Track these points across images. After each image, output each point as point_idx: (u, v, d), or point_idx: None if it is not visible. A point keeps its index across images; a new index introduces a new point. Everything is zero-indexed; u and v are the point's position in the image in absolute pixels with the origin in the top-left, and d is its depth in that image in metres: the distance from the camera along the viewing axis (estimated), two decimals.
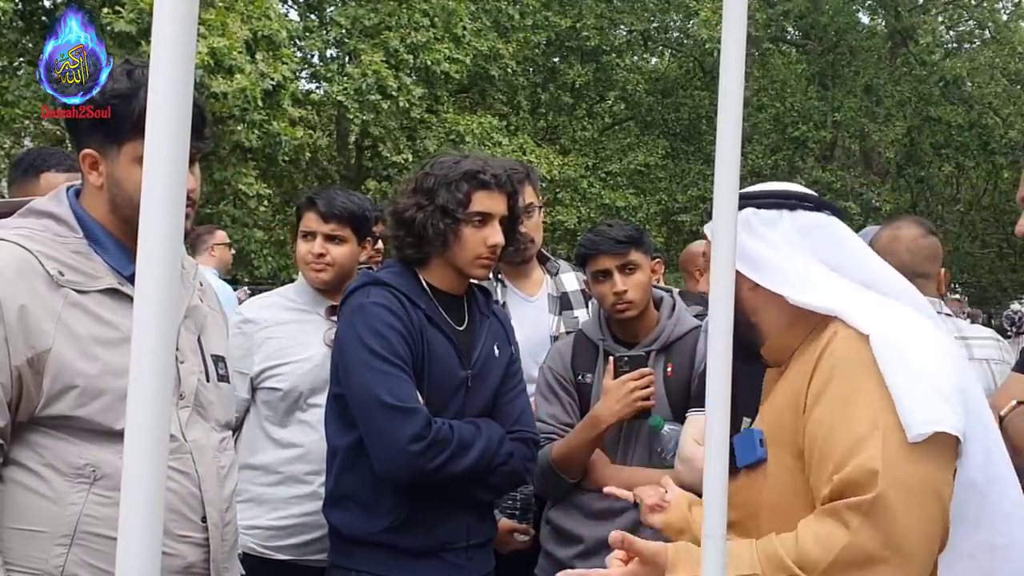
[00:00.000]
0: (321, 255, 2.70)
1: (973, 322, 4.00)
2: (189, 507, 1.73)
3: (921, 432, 1.29)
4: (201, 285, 1.94)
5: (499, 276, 2.87)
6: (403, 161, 13.56)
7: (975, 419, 1.38)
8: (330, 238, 2.71)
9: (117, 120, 1.64)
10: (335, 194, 2.79)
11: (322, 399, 2.59)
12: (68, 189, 1.77)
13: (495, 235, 2.22)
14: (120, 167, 1.69)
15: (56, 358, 1.59)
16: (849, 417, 1.34)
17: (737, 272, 1.55)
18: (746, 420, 1.89)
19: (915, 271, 2.50)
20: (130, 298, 1.68)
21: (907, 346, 1.37)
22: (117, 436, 1.61)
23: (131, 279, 1.70)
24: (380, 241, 3.51)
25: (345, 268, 2.74)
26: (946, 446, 1.33)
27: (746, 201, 1.58)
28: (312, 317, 2.73)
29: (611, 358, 2.55)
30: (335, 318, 2.69)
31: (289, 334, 2.68)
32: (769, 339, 1.59)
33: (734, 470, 1.54)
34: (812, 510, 1.39)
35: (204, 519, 1.75)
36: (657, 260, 2.79)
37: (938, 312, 2.54)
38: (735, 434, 1.58)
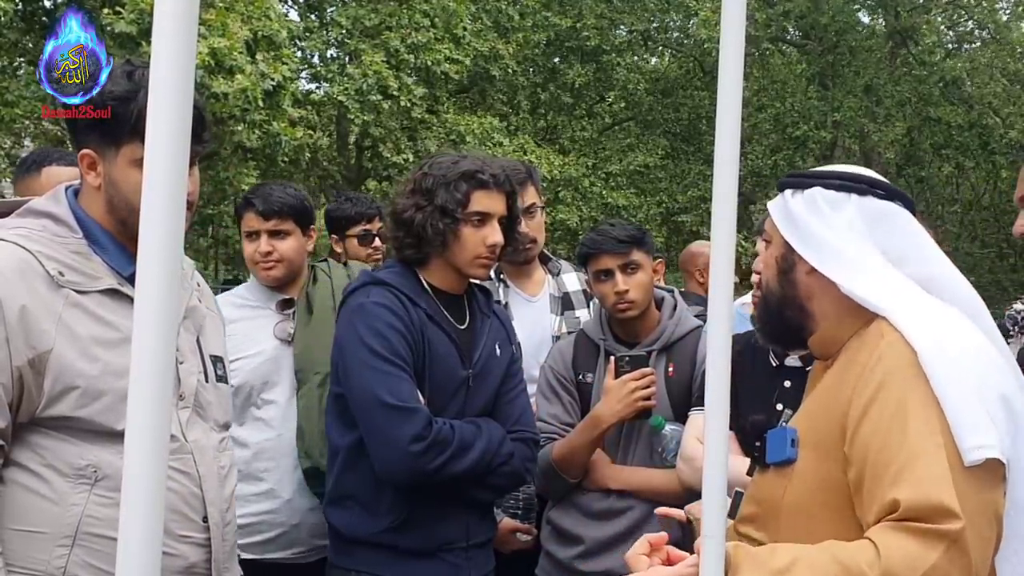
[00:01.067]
0: (268, 253, 2.70)
1: None
2: (191, 507, 1.73)
3: (973, 459, 1.28)
4: (199, 286, 1.94)
5: (501, 276, 2.87)
6: (403, 161, 13.55)
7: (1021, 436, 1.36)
8: (274, 234, 2.71)
9: (116, 121, 1.64)
10: (271, 190, 2.78)
11: (276, 394, 2.62)
12: (67, 189, 1.76)
13: (494, 235, 2.22)
14: (117, 168, 1.68)
15: (57, 359, 1.59)
16: (904, 431, 1.31)
17: (795, 253, 1.52)
18: (787, 412, 1.88)
19: None
20: (130, 299, 1.68)
21: (957, 360, 1.34)
22: (118, 436, 1.60)
23: (130, 279, 1.70)
24: (378, 239, 3.51)
25: (294, 262, 2.74)
26: (995, 470, 1.32)
27: (814, 180, 1.55)
28: (263, 312, 2.73)
29: (612, 358, 2.55)
30: (288, 311, 2.72)
31: (240, 331, 2.66)
32: (819, 329, 1.54)
33: (763, 464, 1.52)
34: (835, 516, 1.37)
35: (205, 519, 1.75)
36: (659, 260, 2.78)
37: None
38: (770, 429, 1.56)
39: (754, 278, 1.73)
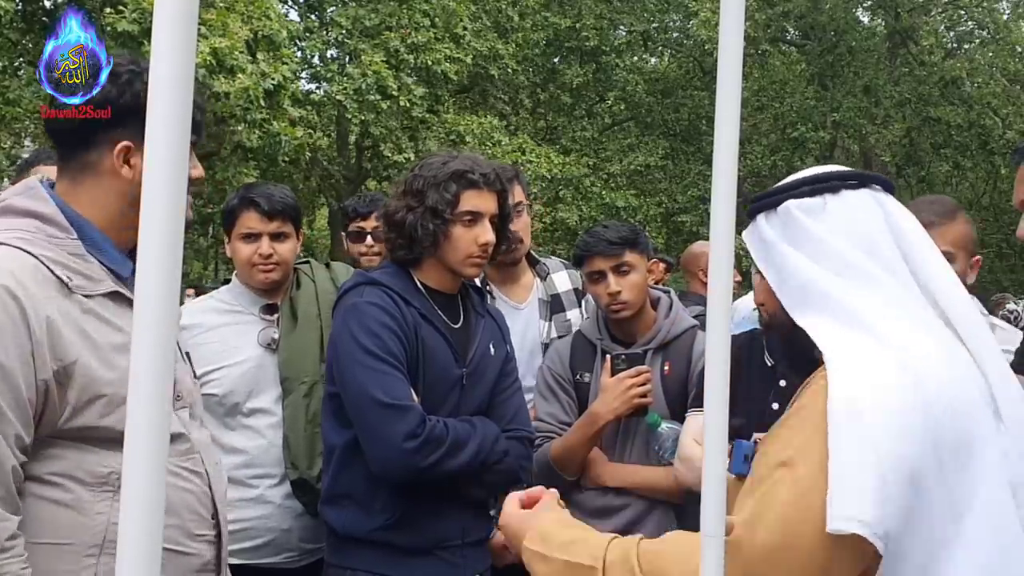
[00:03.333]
0: (269, 256, 2.63)
1: None
2: (204, 506, 1.72)
3: (838, 528, 1.14)
4: None
5: (488, 288, 2.81)
6: (404, 161, 13.55)
7: (932, 509, 1.19)
8: (275, 236, 2.64)
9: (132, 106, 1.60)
10: (271, 190, 2.69)
11: (264, 402, 2.57)
12: (43, 183, 1.68)
13: (486, 234, 2.23)
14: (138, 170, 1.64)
15: (82, 369, 1.55)
16: (782, 478, 1.22)
17: None
18: (756, 435, 1.85)
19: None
20: (130, 301, 1.64)
21: (867, 421, 1.18)
22: None
23: (127, 280, 1.67)
24: (371, 237, 3.52)
25: (290, 264, 2.70)
26: (860, 546, 1.16)
27: (784, 195, 1.42)
28: (247, 318, 2.66)
29: (609, 357, 2.56)
30: (271, 317, 2.66)
31: (222, 337, 2.61)
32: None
33: (729, 471, 1.50)
34: None
35: (215, 516, 1.75)
36: (655, 261, 2.79)
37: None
38: (738, 438, 1.56)
39: (759, 311, 1.65)
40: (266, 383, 2.60)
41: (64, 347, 1.53)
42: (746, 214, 1.49)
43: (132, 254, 1.70)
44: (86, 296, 1.60)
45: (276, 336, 2.64)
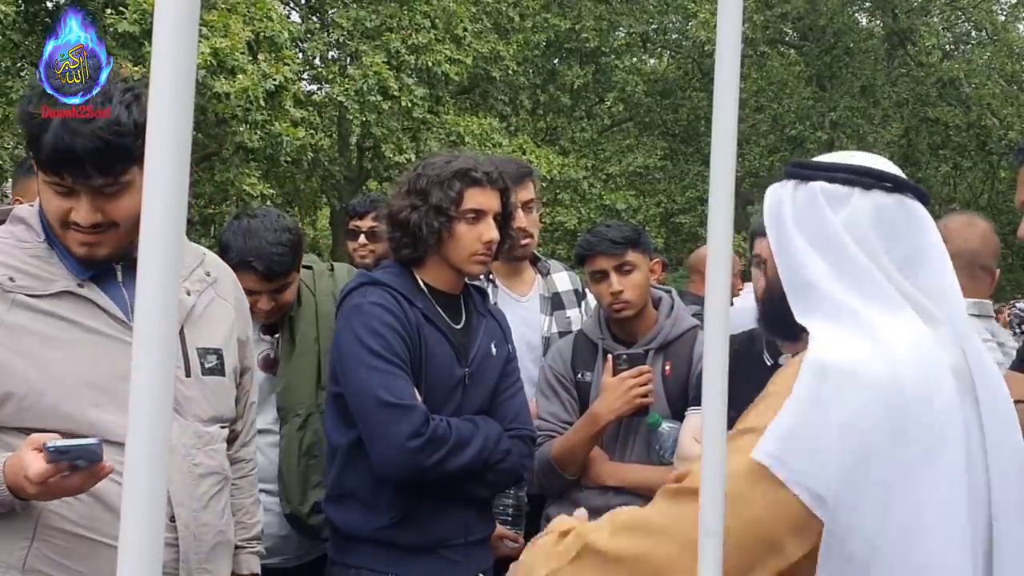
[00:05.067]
0: (271, 308, 2.56)
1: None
2: None
3: (758, 458, 1.16)
4: (208, 275, 1.91)
5: (490, 276, 2.86)
6: (405, 161, 13.54)
7: (885, 489, 1.19)
8: (277, 290, 2.55)
9: (31, 138, 1.64)
10: (269, 249, 2.48)
11: (262, 423, 2.53)
12: None
13: (489, 231, 2.25)
14: (40, 179, 1.69)
15: None
16: (741, 424, 1.25)
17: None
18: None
19: (982, 263, 2.56)
20: (87, 300, 1.70)
21: (833, 385, 1.20)
22: (67, 434, 1.59)
23: (90, 280, 1.73)
24: (364, 236, 3.52)
25: (292, 301, 2.63)
26: (797, 509, 1.16)
27: (819, 173, 1.39)
28: None
29: (610, 356, 2.56)
30: (269, 336, 2.65)
31: None
32: None
33: None
34: None
35: (173, 519, 1.73)
36: (656, 261, 2.80)
37: (981, 315, 2.50)
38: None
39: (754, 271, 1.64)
40: (266, 406, 2.58)
41: None
42: (784, 172, 1.48)
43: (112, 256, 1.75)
44: (33, 296, 1.65)
45: (273, 356, 2.64)
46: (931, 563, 1.20)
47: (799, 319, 1.32)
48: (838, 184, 1.37)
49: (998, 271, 2.64)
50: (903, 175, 1.42)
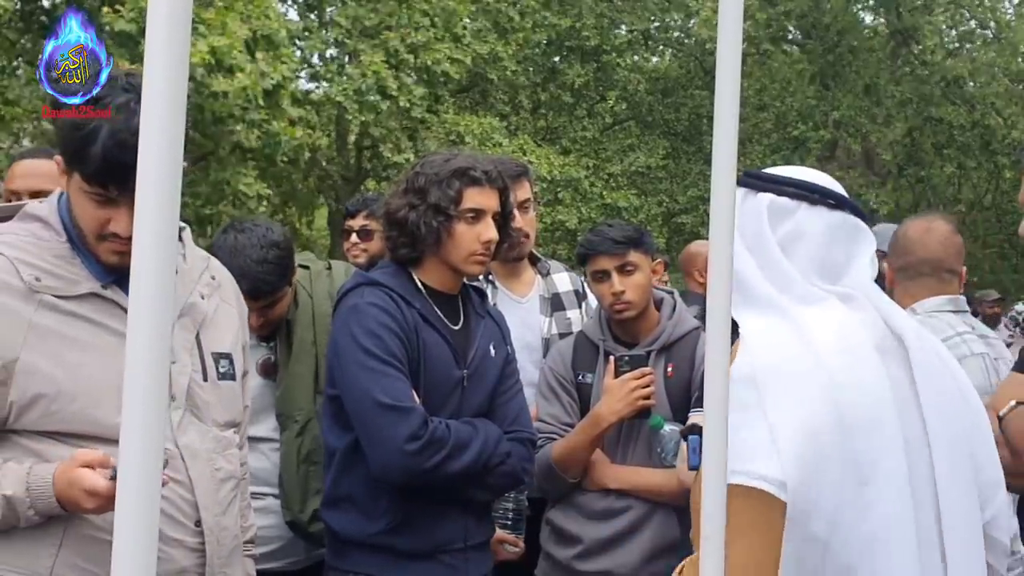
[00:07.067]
0: (261, 324, 2.55)
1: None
2: (181, 512, 1.71)
3: (732, 481, 1.21)
4: (214, 279, 1.91)
5: (490, 277, 2.85)
6: (404, 161, 13.53)
7: (837, 467, 1.28)
8: (267, 307, 2.52)
9: (75, 150, 1.63)
10: (251, 267, 2.43)
11: (263, 431, 2.53)
12: (62, 194, 1.76)
13: (488, 231, 2.23)
14: (72, 187, 1.68)
15: (25, 367, 1.58)
16: None
17: None
18: None
19: (946, 266, 2.54)
20: (112, 302, 1.68)
21: (771, 382, 1.30)
22: (95, 439, 1.59)
23: (114, 284, 1.70)
24: (355, 235, 3.51)
25: (283, 316, 2.62)
26: (762, 500, 1.25)
27: (769, 185, 1.50)
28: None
29: (612, 358, 2.55)
30: (267, 343, 2.63)
31: None
32: None
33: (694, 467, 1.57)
34: None
35: (198, 523, 1.74)
36: (659, 262, 2.78)
37: (957, 311, 2.54)
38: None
39: None
40: (266, 412, 2.57)
41: (4, 346, 1.57)
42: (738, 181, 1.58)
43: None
44: (59, 297, 1.63)
45: (273, 360, 2.63)
46: (881, 527, 1.29)
47: (732, 313, 1.38)
48: (786, 198, 1.48)
49: (964, 269, 2.63)
50: (845, 193, 1.54)
